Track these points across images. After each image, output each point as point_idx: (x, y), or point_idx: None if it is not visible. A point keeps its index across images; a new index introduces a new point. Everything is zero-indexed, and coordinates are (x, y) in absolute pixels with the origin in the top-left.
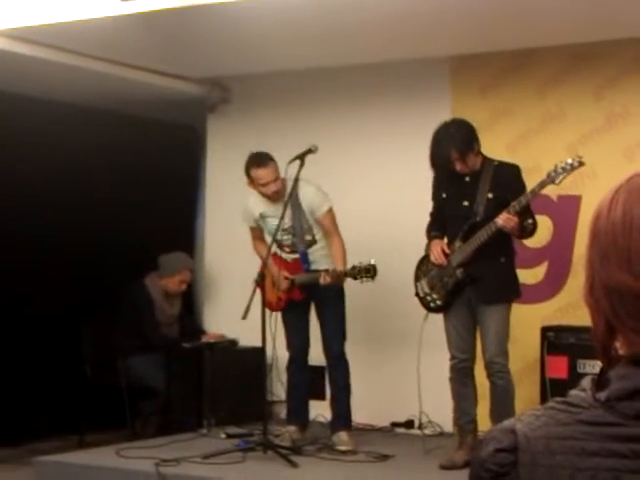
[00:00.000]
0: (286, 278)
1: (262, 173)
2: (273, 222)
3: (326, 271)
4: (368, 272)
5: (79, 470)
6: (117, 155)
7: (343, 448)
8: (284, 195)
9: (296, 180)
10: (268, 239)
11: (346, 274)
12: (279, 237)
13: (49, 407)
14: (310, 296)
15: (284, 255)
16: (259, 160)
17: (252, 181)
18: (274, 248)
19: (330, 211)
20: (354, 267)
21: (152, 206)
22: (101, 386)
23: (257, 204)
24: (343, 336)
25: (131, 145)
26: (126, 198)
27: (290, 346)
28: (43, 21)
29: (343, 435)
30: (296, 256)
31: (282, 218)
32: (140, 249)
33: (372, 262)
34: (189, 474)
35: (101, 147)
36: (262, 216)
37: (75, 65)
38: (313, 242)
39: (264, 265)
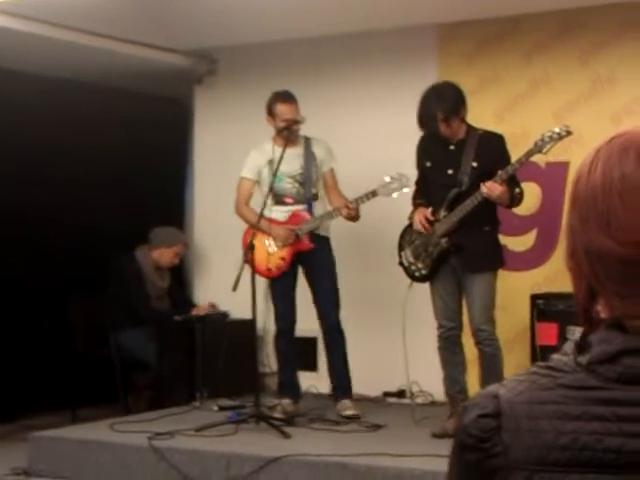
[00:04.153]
0: (291, 230)
1: (286, 109)
2: (280, 168)
3: (346, 204)
4: (400, 180)
5: (74, 445)
6: (104, 128)
7: (349, 413)
8: (296, 143)
9: (307, 137)
10: (259, 198)
11: (374, 193)
12: (283, 185)
13: (42, 383)
14: (298, 265)
15: (279, 211)
16: (285, 96)
17: (274, 117)
18: (265, 210)
19: (334, 170)
20: (383, 185)
21: (140, 179)
22: (93, 361)
23: (266, 152)
24: (338, 304)
25: (118, 118)
26: (114, 171)
27: (281, 318)
28: None
29: (347, 402)
30: (297, 207)
31: (281, 157)
32: (129, 222)
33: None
34: (182, 447)
35: (88, 121)
36: (270, 162)
37: (60, 38)
38: (316, 197)
39: (253, 228)
